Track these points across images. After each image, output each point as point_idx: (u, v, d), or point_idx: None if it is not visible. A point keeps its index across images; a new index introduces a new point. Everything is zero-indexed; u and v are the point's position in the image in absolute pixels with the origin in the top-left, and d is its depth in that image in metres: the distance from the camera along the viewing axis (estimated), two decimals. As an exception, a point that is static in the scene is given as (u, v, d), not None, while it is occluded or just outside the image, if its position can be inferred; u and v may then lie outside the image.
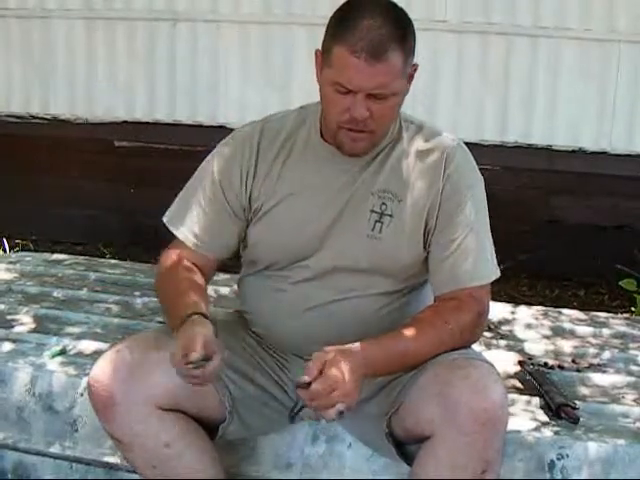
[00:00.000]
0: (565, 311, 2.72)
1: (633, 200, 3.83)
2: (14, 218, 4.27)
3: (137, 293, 2.66)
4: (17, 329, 2.28)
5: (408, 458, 1.63)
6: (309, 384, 1.44)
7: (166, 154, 4.22)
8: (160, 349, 1.62)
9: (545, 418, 1.84)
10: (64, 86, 4.31)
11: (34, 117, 4.38)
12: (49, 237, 4.34)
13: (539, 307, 2.81)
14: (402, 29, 1.56)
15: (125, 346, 1.62)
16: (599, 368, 2.17)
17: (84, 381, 1.90)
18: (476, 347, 1.73)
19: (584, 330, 2.48)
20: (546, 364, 2.15)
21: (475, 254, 1.67)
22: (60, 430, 1.98)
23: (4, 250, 4.02)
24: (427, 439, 1.52)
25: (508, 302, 2.80)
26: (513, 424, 1.73)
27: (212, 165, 1.75)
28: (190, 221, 1.73)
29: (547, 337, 2.42)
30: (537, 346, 2.32)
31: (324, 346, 1.51)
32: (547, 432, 1.78)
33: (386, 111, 1.59)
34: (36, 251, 3.85)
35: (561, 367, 2.15)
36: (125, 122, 4.27)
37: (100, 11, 4.20)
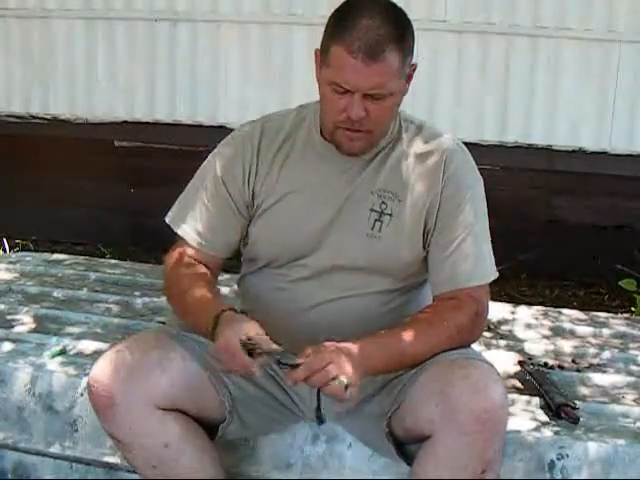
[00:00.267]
0: (565, 311, 2.72)
1: (633, 200, 3.83)
2: (14, 218, 4.27)
3: (137, 293, 2.66)
4: (17, 329, 2.29)
5: (408, 458, 1.63)
6: (297, 365, 1.46)
7: (166, 154, 4.22)
8: (160, 349, 1.62)
9: (545, 418, 1.84)
10: (64, 86, 4.31)
11: (34, 117, 4.38)
12: (49, 237, 4.35)
13: (539, 307, 2.81)
14: (400, 29, 1.56)
15: (125, 346, 1.62)
16: (599, 368, 2.17)
17: (84, 381, 1.90)
18: (476, 347, 1.74)
19: (584, 330, 2.48)
20: (546, 364, 2.15)
21: (474, 254, 1.67)
22: (60, 430, 1.98)
23: (4, 250, 4.02)
24: (427, 439, 1.52)
25: (508, 302, 2.81)
26: (513, 424, 1.73)
27: (214, 164, 1.75)
28: (193, 220, 1.74)
29: (547, 337, 2.42)
30: (537, 346, 2.32)
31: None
32: (547, 432, 1.78)
33: (383, 111, 1.59)
34: (36, 251, 3.85)
35: (561, 367, 2.15)
36: (125, 122, 4.27)
37: (100, 11, 4.20)
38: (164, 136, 4.22)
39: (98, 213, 4.34)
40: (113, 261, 3.31)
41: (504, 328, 2.49)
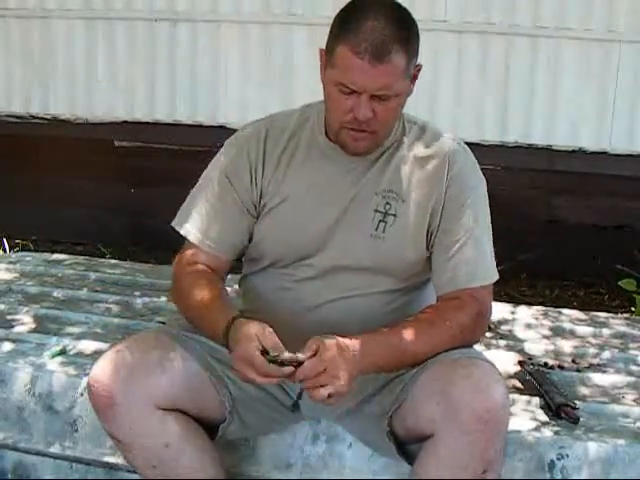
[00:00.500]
0: (565, 311, 2.72)
1: (633, 200, 3.83)
2: (14, 218, 4.27)
3: (137, 293, 2.66)
4: (17, 329, 2.29)
5: (409, 457, 1.63)
6: (301, 363, 1.47)
7: (166, 154, 4.22)
8: (160, 349, 1.62)
9: (545, 418, 1.84)
10: (64, 86, 4.32)
11: (34, 117, 4.38)
12: (49, 237, 4.35)
13: (539, 307, 2.81)
14: (406, 30, 1.56)
15: (125, 346, 1.61)
16: (599, 368, 2.17)
17: (84, 381, 1.90)
18: (476, 347, 1.73)
19: (584, 330, 2.48)
20: (546, 364, 2.15)
21: (477, 255, 1.68)
22: (60, 430, 1.98)
23: (4, 250, 4.02)
24: (428, 438, 1.52)
25: (508, 302, 2.80)
26: (513, 424, 1.73)
27: (220, 164, 1.75)
28: (200, 222, 1.73)
29: (547, 337, 2.42)
30: (537, 346, 2.32)
31: None
32: (547, 432, 1.78)
33: (389, 112, 1.60)
34: (36, 251, 3.85)
35: (561, 367, 2.15)
36: (125, 122, 4.27)
37: (100, 11, 4.20)
38: (164, 136, 4.22)
39: (98, 213, 4.34)
40: (113, 261, 3.31)
41: (504, 328, 2.48)
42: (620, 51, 3.73)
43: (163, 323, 2.36)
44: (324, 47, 1.62)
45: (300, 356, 1.48)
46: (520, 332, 2.46)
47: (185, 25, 4.13)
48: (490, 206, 1.74)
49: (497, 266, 1.72)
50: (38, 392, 1.99)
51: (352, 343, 1.53)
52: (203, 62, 4.14)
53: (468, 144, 1.78)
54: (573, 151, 3.86)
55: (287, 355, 1.48)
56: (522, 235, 3.79)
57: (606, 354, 2.27)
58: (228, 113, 4.09)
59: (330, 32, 1.59)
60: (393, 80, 1.55)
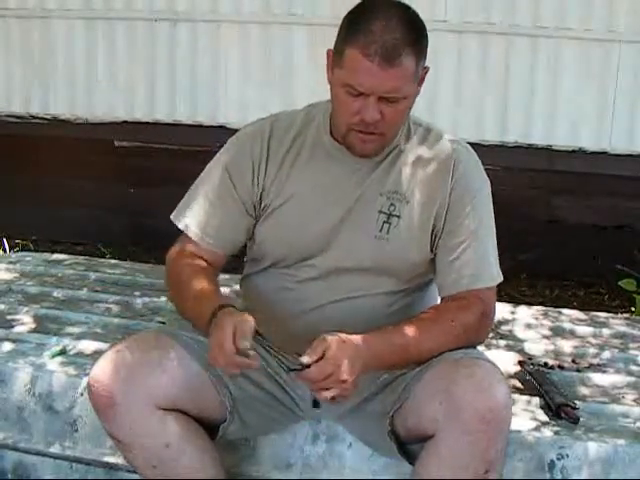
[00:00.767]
0: (565, 311, 2.72)
1: (633, 200, 3.83)
2: (14, 218, 4.27)
3: (137, 293, 2.66)
4: (17, 329, 2.28)
5: (410, 457, 1.63)
6: (308, 366, 1.47)
7: (166, 154, 4.22)
8: (160, 349, 1.62)
9: (545, 418, 1.84)
10: (64, 86, 4.31)
11: (34, 117, 4.38)
12: (49, 237, 4.35)
13: (539, 307, 2.81)
14: (416, 32, 1.56)
15: (125, 346, 1.62)
16: (599, 368, 2.17)
17: (84, 381, 1.90)
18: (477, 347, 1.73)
19: (584, 330, 2.48)
20: (546, 364, 2.15)
21: (482, 256, 1.68)
22: (60, 430, 1.98)
23: (4, 250, 4.02)
24: (430, 438, 1.52)
25: (508, 302, 2.80)
26: (513, 424, 1.72)
27: (222, 162, 1.75)
28: (199, 217, 1.73)
29: (547, 337, 2.42)
30: (537, 346, 2.32)
31: None
32: (547, 432, 1.78)
33: (397, 114, 1.59)
34: (36, 251, 3.85)
35: (561, 367, 2.15)
36: (125, 122, 4.27)
37: (100, 11, 4.20)
38: (164, 136, 4.21)
39: (98, 213, 4.34)
40: (113, 261, 3.31)
41: (504, 328, 2.48)
42: (620, 51, 3.72)
43: (163, 323, 2.36)
44: (331, 48, 1.61)
45: (305, 359, 1.48)
46: (520, 332, 2.46)
47: (185, 25, 4.13)
48: (493, 207, 1.74)
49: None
50: (38, 392, 1.99)
51: (357, 341, 1.53)
52: (203, 62, 4.14)
53: (468, 144, 1.78)
54: (573, 151, 3.85)
55: (292, 359, 1.48)
56: (522, 235, 3.78)
57: (606, 354, 2.27)
58: (228, 113, 4.09)
59: (339, 33, 1.59)
60: (402, 83, 1.55)
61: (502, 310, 2.62)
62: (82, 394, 1.93)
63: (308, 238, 1.70)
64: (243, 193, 1.72)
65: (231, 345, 1.47)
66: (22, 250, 4.00)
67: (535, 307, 2.79)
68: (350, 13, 1.59)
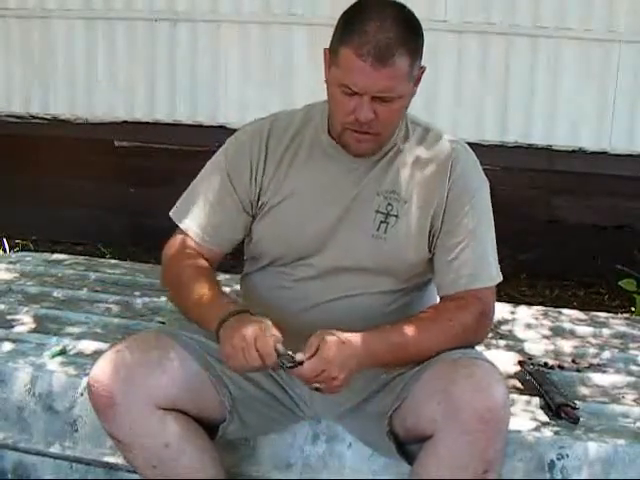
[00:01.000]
0: (565, 311, 2.72)
1: (633, 200, 3.83)
2: (14, 218, 4.27)
3: (137, 293, 2.66)
4: (17, 329, 2.28)
5: (409, 457, 1.63)
6: (301, 363, 1.48)
7: (166, 154, 4.22)
8: (160, 349, 1.62)
9: (545, 418, 1.84)
10: (64, 86, 4.31)
11: (34, 117, 4.38)
12: (49, 237, 4.35)
13: (539, 307, 2.81)
14: (410, 32, 1.56)
15: (125, 346, 1.62)
16: (599, 368, 2.17)
17: (84, 381, 1.90)
18: (476, 347, 1.73)
19: (584, 330, 2.48)
20: (546, 364, 2.15)
21: (480, 256, 1.68)
22: (60, 430, 1.98)
23: (4, 250, 4.02)
24: (428, 438, 1.52)
25: (508, 302, 2.80)
26: (513, 424, 1.73)
27: (221, 160, 1.76)
28: (197, 215, 1.74)
29: (547, 337, 2.42)
30: (537, 346, 2.32)
31: None
32: (547, 432, 1.78)
33: (392, 114, 1.60)
34: (36, 251, 3.85)
35: (561, 367, 2.15)
36: (125, 122, 4.27)
37: (100, 11, 4.20)
38: (164, 136, 4.21)
39: (98, 213, 4.34)
40: (113, 261, 3.31)
41: (504, 328, 2.48)
42: (620, 51, 3.72)
43: (163, 323, 2.36)
44: (328, 47, 1.62)
45: (299, 356, 1.49)
46: (520, 332, 2.46)
47: (185, 25, 4.13)
48: (491, 206, 1.74)
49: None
50: (38, 392, 1.99)
51: (352, 339, 1.54)
52: (203, 62, 4.14)
53: (468, 144, 1.78)
54: (573, 151, 3.85)
55: (287, 355, 1.49)
56: (522, 235, 3.78)
57: (606, 354, 2.27)
58: (228, 113, 4.09)
59: (334, 32, 1.59)
60: (395, 83, 1.55)
61: (502, 310, 2.62)
62: (82, 394, 1.93)
63: (306, 236, 1.70)
64: (241, 192, 1.73)
65: (271, 349, 1.48)
66: (22, 250, 4.00)
67: (535, 307, 2.79)
68: (345, 13, 1.59)
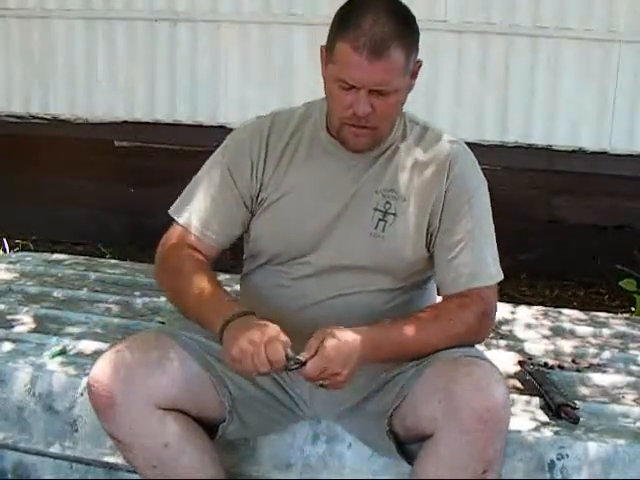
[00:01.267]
0: (565, 311, 2.72)
1: (633, 200, 3.83)
2: (14, 218, 4.27)
3: (137, 293, 2.66)
4: (17, 329, 2.28)
5: (409, 457, 1.63)
6: (304, 363, 1.49)
7: (166, 154, 4.22)
8: (160, 349, 1.62)
9: (545, 418, 1.84)
10: (64, 86, 4.32)
11: (34, 117, 4.38)
12: (49, 237, 4.35)
13: (539, 307, 2.81)
14: (405, 26, 1.57)
15: (125, 346, 1.62)
16: (599, 368, 2.17)
17: (84, 381, 1.90)
18: (476, 347, 1.73)
19: (584, 330, 2.48)
20: (546, 364, 2.15)
21: (479, 255, 1.68)
22: (60, 430, 1.98)
23: (4, 250, 4.02)
24: (428, 438, 1.52)
25: (508, 302, 2.80)
26: (513, 424, 1.73)
27: (221, 156, 1.77)
28: (197, 209, 1.74)
29: (547, 337, 2.42)
30: (537, 346, 2.32)
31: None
32: (547, 432, 1.78)
33: (388, 107, 1.60)
34: (36, 251, 3.85)
35: (561, 367, 2.15)
36: (125, 122, 4.27)
37: (100, 11, 4.20)
38: (164, 136, 4.22)
39: (98, 213, 4.34)
40: (113, 261, 3.31)
41: (504, 328, 2.48)
42: (620, 51, 3.73)
43: (163, 323, 2.36)
44: (325, 44, 1.63)
45: (302, 356, 1.50)
46: (520, 332, 2.46)
47: (185, 25, 4.13)
48: (490, 206, 1.74)
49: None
50: (38, 392, 1.99)
51: (354, 334, 1.54)
52: (203, 62, 4.14)
53: (468, 144, 1.78)
54: (573, 151, 3.86)
55: (294, 358, 1.50)
56: (522, 235, 3.78)
57: (606, 354, 2.27)
58: (228, 113, 4.09)
59: (330, 29, 1.61)
60: (391, 76, 1.56)
61: (502, 310, 2.62)
62: (82, 394, 1.93)
63: (304, 233, 1.71)
64: (242, 186, 1.73)
65: (281, 356, 1.48)
66: (22, 250, 4.01)
67: (535, 307, 2.79)
68: (341, 9, 1.61)
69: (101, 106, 4.28)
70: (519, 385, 2.04)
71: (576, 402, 1.88)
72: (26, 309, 2.43)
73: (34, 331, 2.27)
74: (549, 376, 2.03)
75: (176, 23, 4.13)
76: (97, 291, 2.67)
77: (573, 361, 2.20)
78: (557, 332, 2.47)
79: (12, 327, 2.29)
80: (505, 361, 2.14)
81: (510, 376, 2.08)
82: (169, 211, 1.78)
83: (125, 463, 1.75)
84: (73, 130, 4.31)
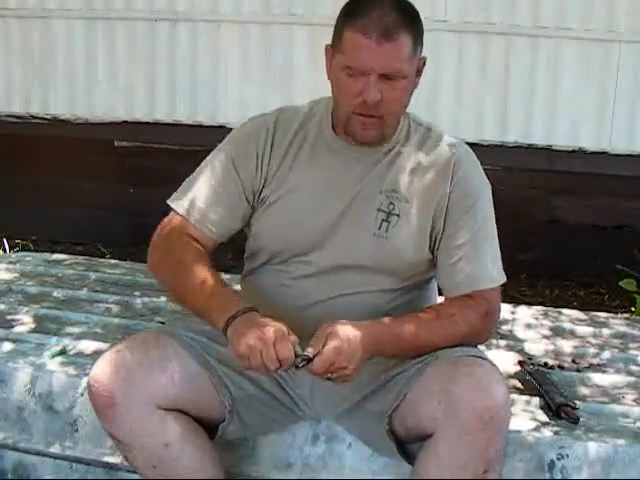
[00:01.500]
0: (565, 311, 2.72)
1: (633, 200, 3.83)
2: (14, 218, 4.27)
3: (137, 293, 2.66)
4: (17, 329, 2.28)
5: (409, 457, 1.63)
6: (312, 359, 1.49)
7: (166, 154, 4.22)
8: (160, 349, 1.62)
9: (545, 418, 1.84)
10: (64, 86, 4.32)
11: (34, 117, 4.38)
12: (49, 237, 4.35)
13: (539, 307, 2.81)
14: (410, 17, 1.60)
15: (125, 346, 1.61)
16: (599, 368, 2.17)
17: (84, 381, 1.90)
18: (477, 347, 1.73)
19: (584, 330, 2.48)
20: (546, 364, 2.15)
21: (483, 258, 1.69)
22: (60, 430, 1.98)
23: (4, 250, 4.02)
24: (429, 437, 1.52)
25: (508, 302, 2.80)
26: (513, 424, 1.73)
27: (226, 148, 1.76)
28: (199, 199, 1.73)
29: (547, 337, 2.42)
30: (537, 346, 2.32)
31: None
32: (547, 432, 1.78)
33: (396, 95, 1.60)
34: (36, 251, 3.85)
35: (561, 367, 2.15)
36: (125, 122, 4.27)
37: (100, 11, 4.20)
38: (164, 136, 4.22)
39: (98, 213, 4.34)
40: (113, 261, 3.31)
41: (504, 328, 2.48)
42: (620, 51, 3.73)
43: (163, 323, 2.36)
44: (329, 43, 1.65)
45: (308, 352, 1.50)
46: (520, 332, 2.46)
47: (185, 25, 4.13)
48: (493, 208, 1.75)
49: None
50: (38, 392, 1.99)
51: (358, 328, 1.55)
52: (203, 62, 4.14)
53: (468, 144, 1.78)
54: (573, 151, 3.86)
55: (302, 355, 1.50)
56: (522, 235, 3.78)
57: (606, 354, 2.27)
58: (228, 113, 4.09)
59: (335, 26, 1.63)
60: (400, 61, 1.57)
61: (502, 310, 2.56)
62: (82, 394, 1.93)
63: (308, 231, 1.70)
64: (246, 180, 1.72)
65: (290, 353, 1.48)
66: (22, 250, 4.01)
67: (535, 307, 2.79)
68: (346, 5, 1.63)
69: (101, 106, 4.28)
70: (519, 385, 2.04)
71: (576, 402, 1.88)
72: (26, 309, 2.43)
73: (34, 331, 2.27)
74: (549, 376, 2.03)
75: (176, 23, 4.13)
76: (97, 291, 2.67)
77: (573, 361, 2.20)
78: (557, 332, 2.47)
79: (12, 327, 2.29)
80: (505, 361, 2.14)
81: (510, 376, 2.08)
82: (168, 200, 1.77)
83: (125, 463, 1.75)
84: (73, 130, 4.31)
